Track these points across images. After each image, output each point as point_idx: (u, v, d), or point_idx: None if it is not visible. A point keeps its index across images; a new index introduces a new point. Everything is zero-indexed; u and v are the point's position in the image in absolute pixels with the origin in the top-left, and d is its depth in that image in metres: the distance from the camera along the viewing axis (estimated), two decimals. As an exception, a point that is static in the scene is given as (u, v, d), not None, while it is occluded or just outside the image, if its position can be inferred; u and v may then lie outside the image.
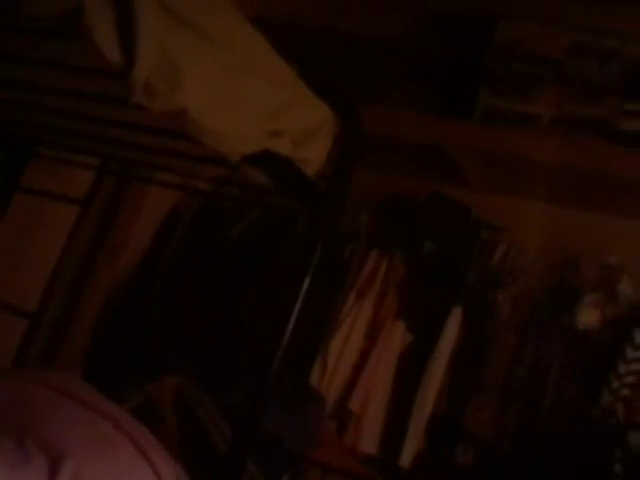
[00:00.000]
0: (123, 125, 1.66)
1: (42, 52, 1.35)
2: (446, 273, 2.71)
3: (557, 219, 2.76)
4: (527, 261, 2.68)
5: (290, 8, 2.93)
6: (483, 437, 2.47)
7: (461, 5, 2.89)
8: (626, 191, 2.57)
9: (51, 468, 1.67)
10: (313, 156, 1.89)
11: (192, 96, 1.41)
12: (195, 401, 2.38)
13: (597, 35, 2.59)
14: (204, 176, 2.12)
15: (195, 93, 1.43)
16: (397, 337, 2.67)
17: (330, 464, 2.21)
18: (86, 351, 2.63)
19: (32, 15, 1.16)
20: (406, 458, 2.44)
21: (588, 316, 2.55)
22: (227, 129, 1.54)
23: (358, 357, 2.66)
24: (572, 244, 2.66)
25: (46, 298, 2.47)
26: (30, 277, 2.49)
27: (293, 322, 2.48)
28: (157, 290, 2.68)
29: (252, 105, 1.62)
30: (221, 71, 1.49)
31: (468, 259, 2.71)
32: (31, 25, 1.21)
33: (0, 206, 2.37)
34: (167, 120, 1.47)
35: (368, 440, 2.51)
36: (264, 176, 1.86)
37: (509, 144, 2.64)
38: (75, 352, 2.56)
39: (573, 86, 2.65)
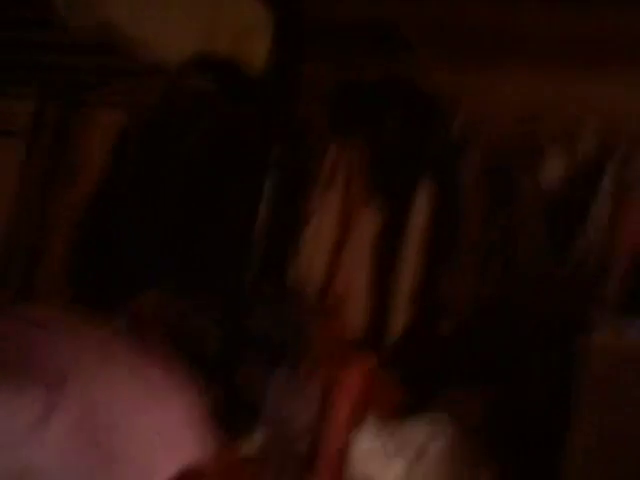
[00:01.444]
0: (56, 48, 1.62)
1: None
2: (409, 150, 2.71)
3: (510, 82, 2.74)
4: (485, 127, 2.68)
5: None
6: (460, 310, 2.54)
7: None
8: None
9: (49, 397, 1.69)
10: (254, 54, 1.86)
11: (116, 6, 1.37)
12: (181, 311, 2.40)
13: None
14: (147, 89, 2.08)
15: (119, 2, 1.38)
16: (369, 221, 2.68)
17: (321, 353, 2.25)
18: (63, 279, 2.63)
19: None
20: (391, 337, 2.50)
21: (553, 170, 2.58)
22: (157, 36, 1.50)
23: (333, 247, 2.68)
24: (527, 105, 2.66)
25: (11, 235, 2.45)
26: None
27: (263, 222, 2.49)
28: (123, 209, 2.66)
29: (182, 8, 1.58)
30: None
31: (427, 133, 2.71)
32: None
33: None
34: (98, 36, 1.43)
35: (355, 323, 2.56)
36: (207, 81, 1.83)
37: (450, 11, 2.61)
38: (51, 283, 2.56)
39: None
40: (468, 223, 2.63)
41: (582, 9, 2.58)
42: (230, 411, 2.05)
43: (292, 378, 1.99)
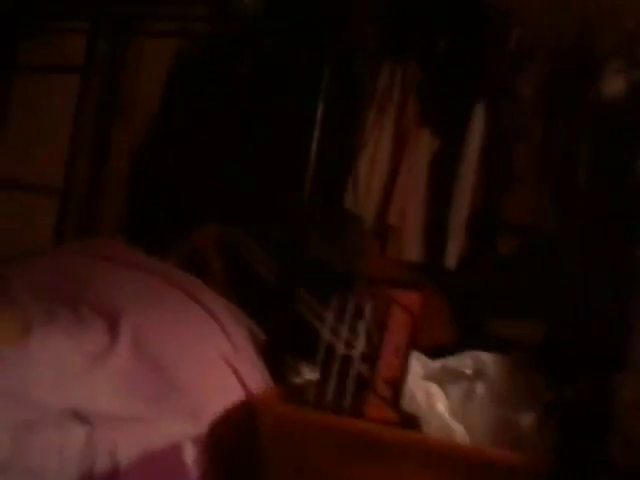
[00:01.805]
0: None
1: None
2: (463, 69, 2.64)
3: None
4: (543, 41, 2.59)
5: None
6: (523, 223, 2.49)
7: None
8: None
9: (110, 329, 1.75)
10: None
11: None
12: (238, 242, 2.42)
13: None
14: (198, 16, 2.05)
15: None
16: (424, 144, 2.64)
17: (378, 278, 2.26)
18: (123, 217, 2.67)
19: None
20: (451, 259, 2.48)
21: (613, 84, 2.49)
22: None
23: (388, 172, 2.65)
24: (587, 16, 2.55)
25: (70, 171, 2.49)
26: (49, 153, 2.49)
27: (317, 148, 2.47)
28: (179, 144, 2.68)
29: None
30: None
31: (483, 50, 2.63)
32: None
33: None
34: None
35: (411, 248, 2.55)
36: (258, 4, 1.80)
37: None
38: (111, 221, 2.60)
39: None
40: (528, 140, 2.57)
41: None
42: (290, 337, 2.08)
43: (349, 303, 2.00)
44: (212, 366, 1.89)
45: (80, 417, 1.58)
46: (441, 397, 1.87)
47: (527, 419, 1.80)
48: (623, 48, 2.48)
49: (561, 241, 2.45)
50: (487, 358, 1.98)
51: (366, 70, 2.71)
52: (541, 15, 2.60)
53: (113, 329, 1.75)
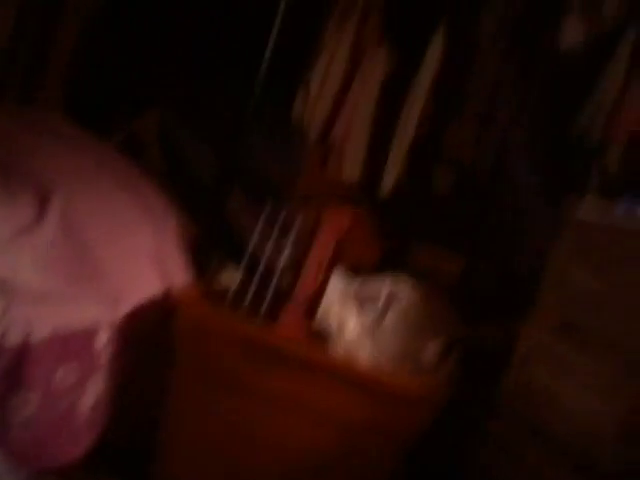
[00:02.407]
0: None
1: None
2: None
3: None
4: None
5: None
6: (462, 160, 2.53)
7: None
8: None
9: (40, 203, 1.73)
10: None
11: None
12: (179, 132, 2.40)
13: None
14: None
15: None
16: (379, 63, 2.63)
17: (313, 192, 2.28)
18: (66, 86, 2.60)
19: None
20: (387, 185, 2.51)
21: (572, 32, 2.50)
22: None
23: (340, 84, 2.63)
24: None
25: (17, 33, 2.40)
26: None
27: (273, 47, 2.44)
28: (131, 18, 2.60)
29: None
30: None
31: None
32: None
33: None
34: None
35: (351, 167, 2.56)
36: None
37: None
38: (55, 89, 2.54)
39: None
40: (480, 76, 2.58)
41: None
42: (216, 240, 2.10)
43: (281, 213, 2.03)
44: (137, 255, 1.90)
45: (-1, 289, 1.59)
46: (353, 316, 1.94)
47: (432, 349, 1.88)
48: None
49: (496, 181, 2.51)
50: (405, 283, 2.04)
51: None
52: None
53: (43, 203, 1.72)
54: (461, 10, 2.55)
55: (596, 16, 2.48)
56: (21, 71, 2.49)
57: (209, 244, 2.14)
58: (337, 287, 2.00)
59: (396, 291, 2.02)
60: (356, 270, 2.13)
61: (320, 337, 1.89)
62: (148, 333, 1.84)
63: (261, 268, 1.96)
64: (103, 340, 1.76)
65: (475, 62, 2.57)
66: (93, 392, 1.77)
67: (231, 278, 1.98)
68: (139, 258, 1.89)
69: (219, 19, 2.54)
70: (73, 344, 1.69)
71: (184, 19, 2.55)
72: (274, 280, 1.96)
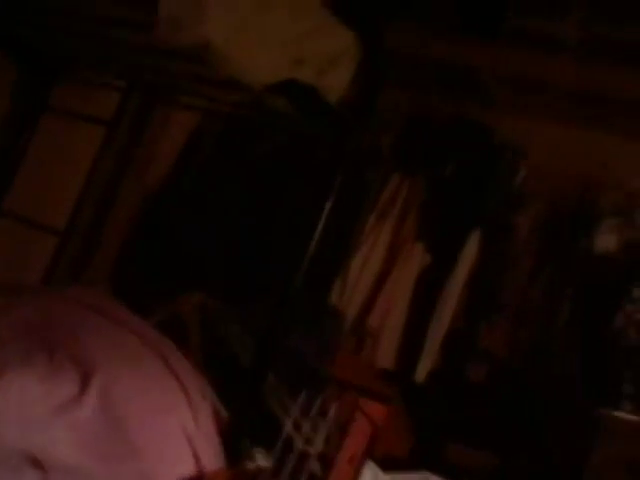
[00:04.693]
0: (150, 51, 1.69)
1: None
2: (467, 196, 2.74)
3: (578, 143, 2.76)
4: (547, 185, 2.70)
5: None
6: (496, 355, 2.55)
7: None
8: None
9: (81, 381, 1.77)
10: (336, 83, 1.91)
11: (215, 28, 1.44)
12: (220, 317, 2.46)
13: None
14: (228, 100, 2.15)
15: (218, 25, 1.45)
16: (416, 258, 2.72)
17: (348, 380, 2.29)
18: (114, 268, 2.71)
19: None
20: (421, 374, 2.53)
21: (606, 240, 2.59)
22: (250, 60, 1.57)
23: (377, 277, 2.72)
24: (592, 169, 2.67)
25: (75, 216, 2.54)
26: (60, 195, 2.55)
27: (316, 243, 2.54)
28: (184, 208, 2.74)
29: (275, 35, 1.64)
30: (244, 2, 1.51)
31: (490, 182, 2.73)
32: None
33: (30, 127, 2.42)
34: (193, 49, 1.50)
35: (385, 355, 2.59)
36: (287, 103, 1.89)
37: (532, 66, 2.63)
38: (103, 269, 2.64)
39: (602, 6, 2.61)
40: (514, 276, 2.66)
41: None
42: (252, 423, 2.10)
43: (316, 399, 2.03)
44: (171, 437, 1.90)
45: (36, 462, 1.60)
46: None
47: None
48: (620, 207, 2.59)
49: (529, 379, 2.51)
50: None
51: (376, 176, 2.80)
52: (550, 158, 2.72)
53: (84, 382, 1.76)
54: (498, 211, 2.66)
55: (630, 225, 2.58)
56: (73, 252, 2.61)
57: (242, 428, 2.13)
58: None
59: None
60: (387, 465, 2.10)
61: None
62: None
63: (294, 455, 1.95)
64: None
65: (509, 264, 2.66)
66: None
67: (262, 463, 1.97)
68: (173, 439, 1.89)
69: (266, 209, 2.67)
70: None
71: (232, 207, 2.69)
72: (306, 469, 1.94)
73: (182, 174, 2.77)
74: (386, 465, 2.10)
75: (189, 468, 1.91)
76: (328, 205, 2.29)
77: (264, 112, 2.06)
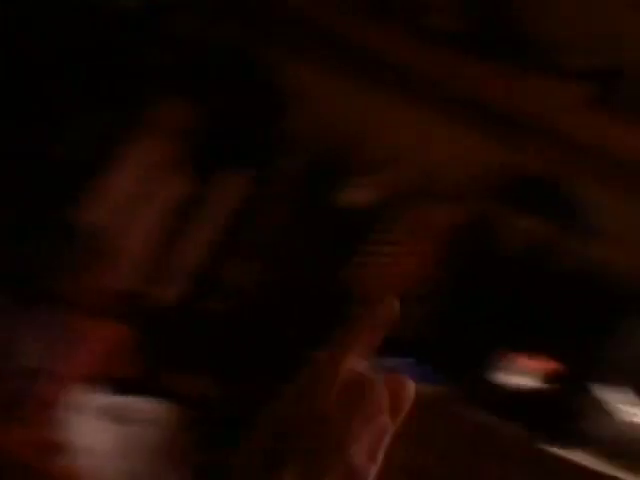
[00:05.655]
0: None
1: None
2: (237, 131, 2.76)
3: (354, 100, 2.83)
4: (317, 136, 2.77)
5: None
6: (243, 290, 2.65)
7: None
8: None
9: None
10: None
11: None
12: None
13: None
14: None
15: None
16: (174, 186, 2.70)
17: (81, 299, 2.25)
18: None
19: None
20: (165, 300, 2.56)
21: (353, 195, 2.73)
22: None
23: (130, 199, 2.66)
24: (361, 127, 2.76)
25: None
26: None
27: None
28: None
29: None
30: None
31: (260, 121, 2.77)
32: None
33: None
34: None
35: (129, 276, 2.57)
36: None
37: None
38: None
39: None
40: (270, 218, 2.74)
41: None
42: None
43: (41, 314, 1.99)
44: None
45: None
46: (100, 432, 1.91)
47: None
48: (368, 168, 2.74)
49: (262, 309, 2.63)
50: (153, 407, 2.05)
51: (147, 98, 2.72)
52: (325, 112, 2.78)
53: None
54: (265, 153, 2.72)
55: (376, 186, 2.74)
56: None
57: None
58: (86, 401, 1.97)
59: (143, 414, 2.02)
60: (115, 384, 2.10)
61: (56, 447, 1.84)
62: None
63: (9, 369, 1.90)
64: None
65: (267, 205, 2.74)
66: None
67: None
68: None
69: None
70: None
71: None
72: (23, 383, 1.90)
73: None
74: (118, 387, 2.10)
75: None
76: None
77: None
